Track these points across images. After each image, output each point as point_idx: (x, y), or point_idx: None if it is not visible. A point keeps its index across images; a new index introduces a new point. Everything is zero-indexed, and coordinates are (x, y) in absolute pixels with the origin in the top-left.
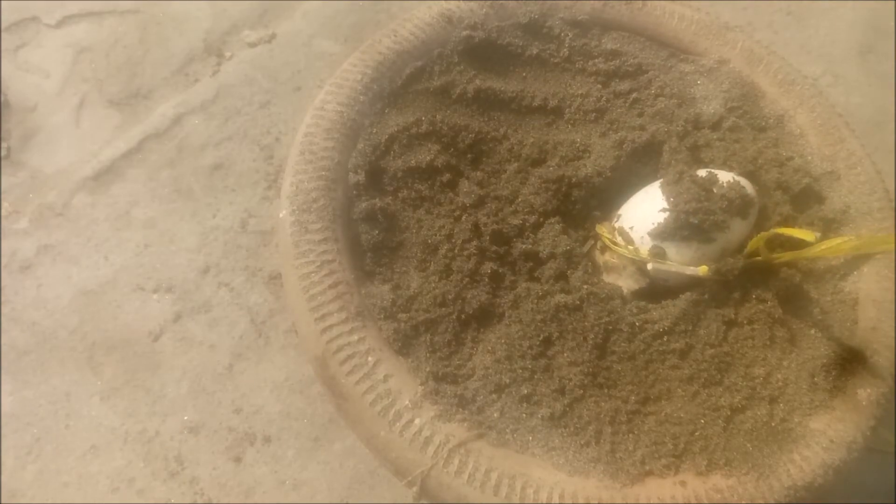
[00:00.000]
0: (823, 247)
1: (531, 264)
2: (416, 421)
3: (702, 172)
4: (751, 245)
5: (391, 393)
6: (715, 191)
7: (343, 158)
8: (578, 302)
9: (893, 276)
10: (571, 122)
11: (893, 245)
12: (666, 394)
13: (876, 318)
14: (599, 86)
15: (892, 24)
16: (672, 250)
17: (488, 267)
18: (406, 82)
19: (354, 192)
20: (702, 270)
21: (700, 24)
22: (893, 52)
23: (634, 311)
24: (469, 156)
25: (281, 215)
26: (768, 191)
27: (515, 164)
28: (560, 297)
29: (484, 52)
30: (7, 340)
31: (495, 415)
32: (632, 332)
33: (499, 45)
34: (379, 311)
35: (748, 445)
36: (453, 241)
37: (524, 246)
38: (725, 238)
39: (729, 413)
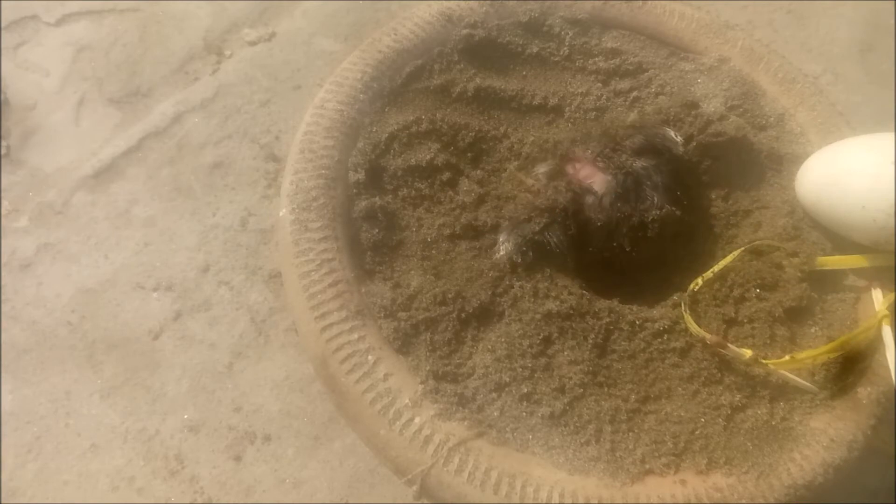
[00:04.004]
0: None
1: None
2: (416, 420)
3: None
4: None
5: (391, 392)
6: None
7: (343, 157)
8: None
9: (894, 274)
10: (572, 120)
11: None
12: (666, 392)
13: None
14: (600, 84)
15: (893, 22)
16: None
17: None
18: (406, 81)
19: (354, 190)
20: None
21: (700, 22)
22: (894, 50)
23: (634, 309)
24: (469, 154)
25: (281, 214)
26: None
27: (516, 163)
28: None
29: (484, 50)
30: (7, 339)
31: (495, 413)
32: (632, 331)
33: (499, 44)
34: (379, 310)
35: (748, 444)
36: None
37: None
38: None
39: (729, 412)
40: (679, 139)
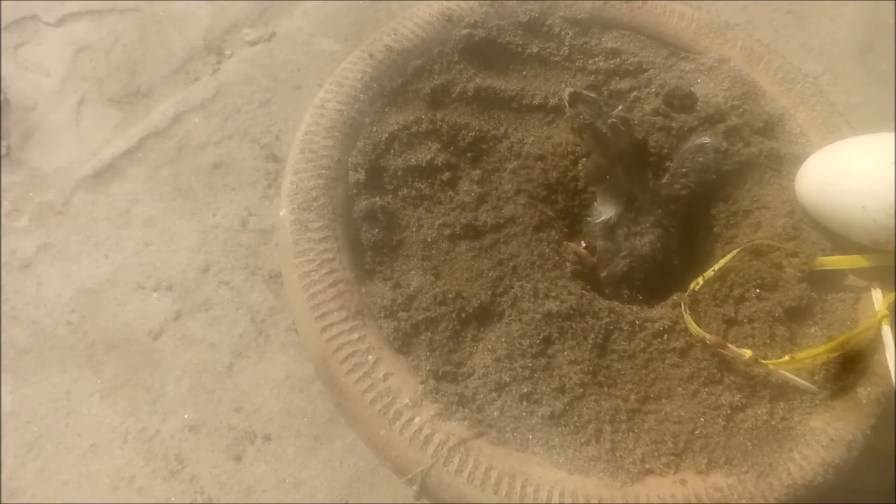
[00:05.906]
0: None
1: None
2: (416, 419)
3: None
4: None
5: (391, 391)
6: None
7: (343, 157)
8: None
9: (893, 274)
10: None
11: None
12: (666, 392)
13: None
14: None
15: (893, 22)
16: None
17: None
18: (406, 81)
19: (354, 190)
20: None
21: (700, 22)
22: (894, 50)
23: (634, 309)
24: (469, 154)
25: (281, 214)
26: None
27: (515, 163)
28: None
29: (484, 50)
30: (7, 339)
31: (495, 413)
32: (632, 331)
33: (499, 44)
34: (379, 310)
35: (748, 444)
36: None
37: None
38: None
39: (729, 411)
40: (723, 145)
